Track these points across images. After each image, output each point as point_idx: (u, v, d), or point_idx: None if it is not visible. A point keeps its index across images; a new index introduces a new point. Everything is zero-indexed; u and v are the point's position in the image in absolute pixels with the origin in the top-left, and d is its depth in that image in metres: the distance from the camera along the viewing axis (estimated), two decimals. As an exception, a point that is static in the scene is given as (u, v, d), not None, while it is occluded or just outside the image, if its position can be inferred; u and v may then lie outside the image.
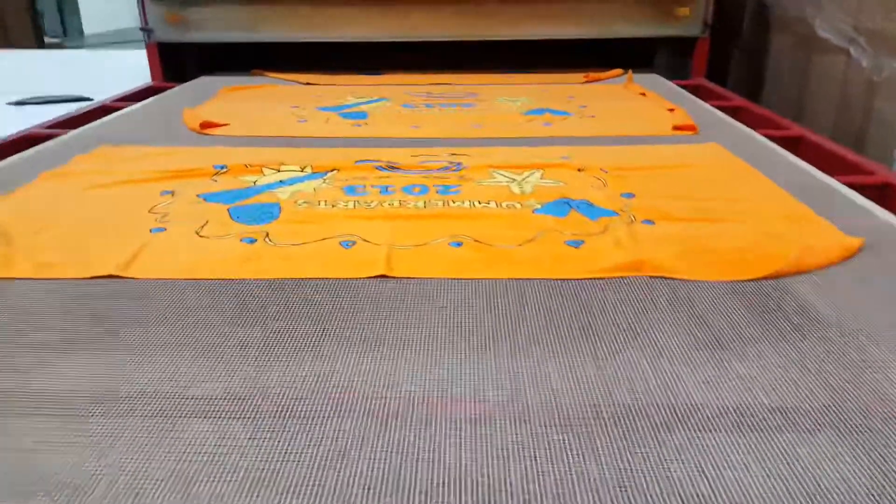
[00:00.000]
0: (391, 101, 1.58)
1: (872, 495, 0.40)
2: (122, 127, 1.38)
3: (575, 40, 1.95)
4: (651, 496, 0.40)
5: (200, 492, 0.41)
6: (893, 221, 0.83)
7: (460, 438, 0.45)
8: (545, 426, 0.46)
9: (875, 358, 0.54)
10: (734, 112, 1.58)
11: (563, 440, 0.45)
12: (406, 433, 0.46)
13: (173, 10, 1.93)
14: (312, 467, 0.43)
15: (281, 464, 0.43)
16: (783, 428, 0.46)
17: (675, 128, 1.28)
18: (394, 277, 0.68)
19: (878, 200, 0.93)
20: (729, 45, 2.16)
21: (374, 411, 0.48)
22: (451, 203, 0.89)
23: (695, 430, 0.46)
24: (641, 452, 0.44)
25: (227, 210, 0.86)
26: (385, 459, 0.43)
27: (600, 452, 0.44)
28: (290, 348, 0.56)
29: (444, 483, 0.41)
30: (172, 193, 0.93)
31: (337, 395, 0.50)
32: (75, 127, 1.34)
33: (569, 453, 0.44)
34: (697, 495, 0.40)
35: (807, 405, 0.48)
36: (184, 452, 0.44)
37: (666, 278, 0.67)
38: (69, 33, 5.55)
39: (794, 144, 1.31)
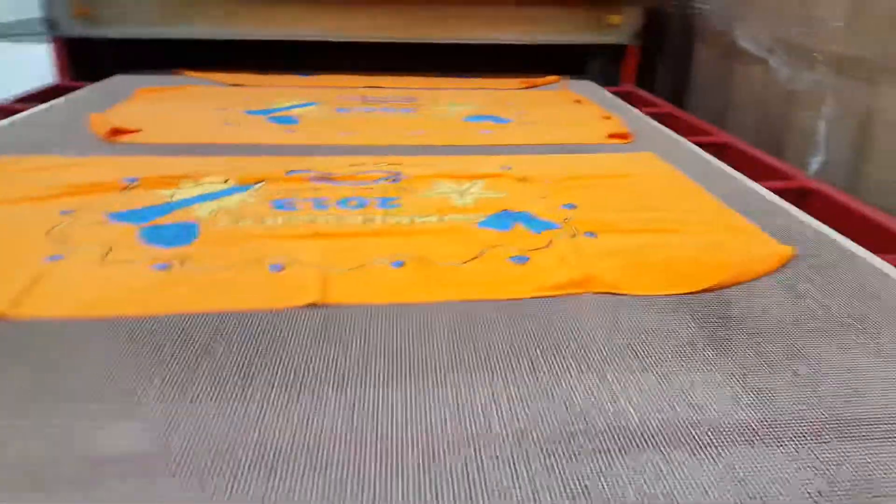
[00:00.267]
0: (324, 105, 1.51)
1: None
2: (19, 133, 1.24)
3: (510, 45, 1.94)
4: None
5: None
6: (815, 224, 0.87)
7: (405, 484, 0.41)
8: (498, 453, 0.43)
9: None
10: (663, 118, 1.63)
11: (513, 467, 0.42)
12: (348, 481, 0.41)
13: (81, 3, 1.76)
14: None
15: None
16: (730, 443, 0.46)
17: (611, 136, 1.29)
18: (328, 304, 0.62)
19: (798, 203, 0.99)
20: (656, 54, 2.23)
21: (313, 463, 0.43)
22: (391, 218, 0.84)
23: (643, 451, 0.45)
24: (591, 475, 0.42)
25: (138, 231, 0.77)
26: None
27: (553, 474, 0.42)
28: (212, 394, 0.49)
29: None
30: (74, 213, 0.83)
31: (268, 443, 0.44)
32: (-39, 132, 1.20)
33: (517, 479, 0.41)
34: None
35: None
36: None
37: (611, 294, 0.66)
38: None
39: (720, 150, 1.36)
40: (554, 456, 0.44)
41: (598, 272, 0.69)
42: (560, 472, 0.43)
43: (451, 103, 1.56)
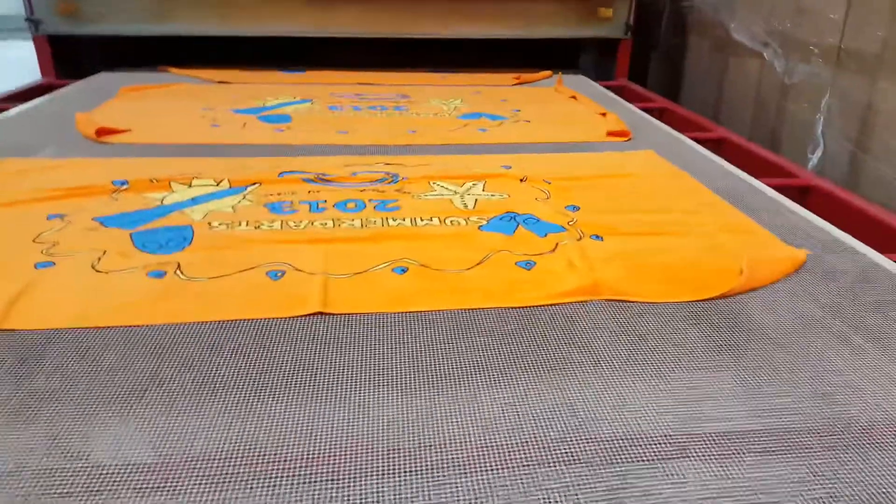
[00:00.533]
0: (316, 103, 1.48)
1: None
2: (2, 133, 1.20)
3: (502, 40, 1.92)
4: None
5: None
6: (820, 223, 0.86)
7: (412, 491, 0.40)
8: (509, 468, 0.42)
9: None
10: (658, 114, 1.62)
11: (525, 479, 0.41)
12: (351, 489, 0.40)
13: (66, 0, 1.72)
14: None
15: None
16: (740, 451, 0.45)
17: (610, 133, 1.27)
18: (332, 314, 0.60)
19: (801, 201, 0.97)
20: (648, 48, 2.21)
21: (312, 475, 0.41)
22: (391, 221, 0.82)
23: (655, 460, 0.44)
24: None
25: (130, 236, 0.75)
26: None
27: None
28: (213, 408, 0.47)
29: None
30: (63, 217, 0.80)
31: (269, 457, 0.43)
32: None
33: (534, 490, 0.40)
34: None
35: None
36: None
37: (620, 301, 0.64)
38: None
39: (717, 146, 1.35)
40: (561, 463, 0.43)
41: (607, 278, 0.67)
42: (567, 480, 0.42)
43: (444, 100, 1.54)
